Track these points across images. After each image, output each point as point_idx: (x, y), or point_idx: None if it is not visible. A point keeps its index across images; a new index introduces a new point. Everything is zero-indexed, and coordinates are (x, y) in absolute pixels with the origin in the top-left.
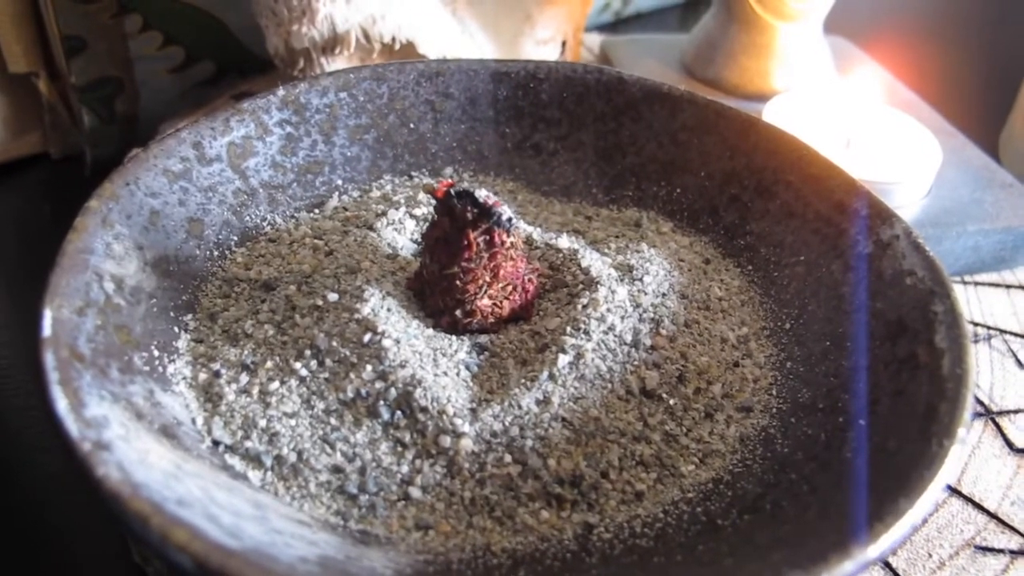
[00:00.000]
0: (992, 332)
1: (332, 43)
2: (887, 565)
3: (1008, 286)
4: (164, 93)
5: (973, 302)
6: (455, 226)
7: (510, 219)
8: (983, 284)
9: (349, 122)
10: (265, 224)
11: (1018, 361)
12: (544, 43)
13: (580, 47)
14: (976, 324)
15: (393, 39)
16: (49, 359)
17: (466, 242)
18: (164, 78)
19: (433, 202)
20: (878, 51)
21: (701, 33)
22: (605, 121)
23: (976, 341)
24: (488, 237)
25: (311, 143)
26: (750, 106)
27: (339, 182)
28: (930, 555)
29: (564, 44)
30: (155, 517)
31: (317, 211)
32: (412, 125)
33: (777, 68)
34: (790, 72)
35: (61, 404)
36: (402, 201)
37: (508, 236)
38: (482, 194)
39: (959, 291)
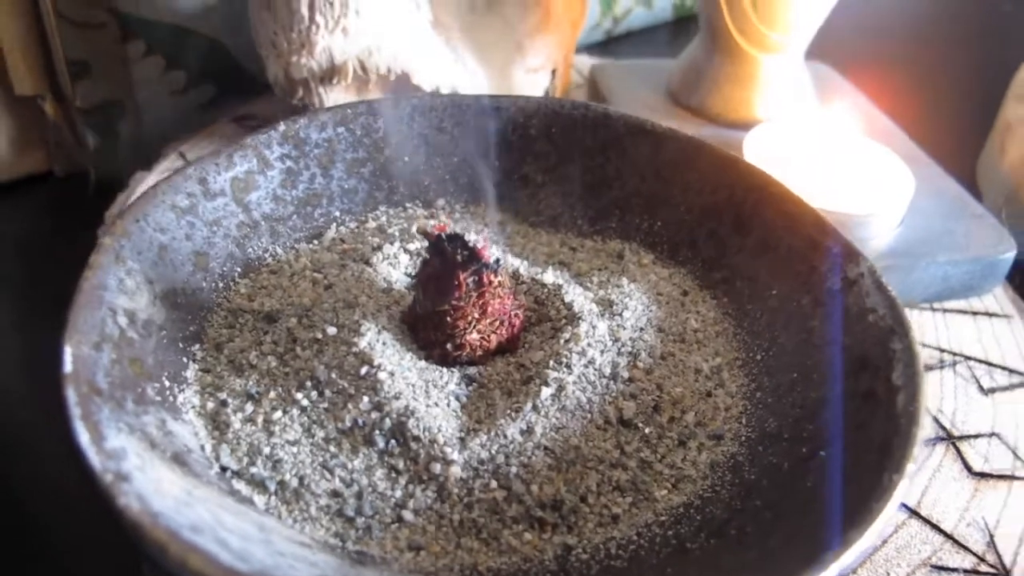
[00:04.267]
0: (957, 358)
1: (330, 74)
2: None
3: (975, 313)
4: (166, 115)
5: (941, 328)
6: (446, 267)
7: (497, 260)
8: (952, 311)
9: (347, 156)
10: (267, 255)
11: (980, 387)
12: (535, 71)
13: (570, 72)
14: (943, 351)
15: (388, 70)
16: (71, 395)
17: (456, 282)
18: (166, 101)
19: (425, 233)
20: (858, 77)
21: (686, 61)
22: (591, 155)
23: (942, 367)
24: (477, 277)
25: (310, 176)
26: (733, 134)
27: (337, 213)
28: (888, 574)
29: (554, 72)
30: (172, 545)
31: (316, 242)
32: (407, 158)
33: (759, 97)
34: (772, 101)
35: (83, 438)
36: (396, 234)
37: (496, 276)
38: (472, 238)
39: (928, 318)
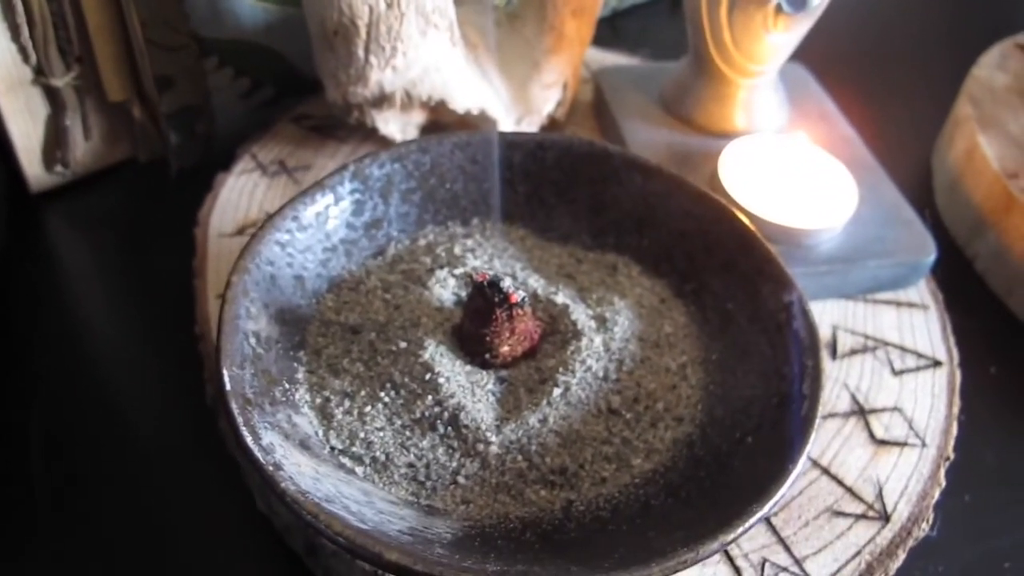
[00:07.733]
0: (877, 344)
1: (380, 101)
2: (768, 522)
3: (899, 304)
4: (235, 114)
5: (869, 317)
6: (487, 304)
7: (524, 298)
8: (880, 302)
9: (401, 186)
10: (344, 272)
11: (892, 369)
12: (549, 87)
13: (579, 85)
14: (867, 337)
15: (429, 98)
16: (234, 406)
17: (494, 316)
18: (235, 103)
19: (471, 279)
20: (831, 66)
21: (677, 78)
22: (594, 183)
23: (864, 351)
24: (509, 312)
25: (373, 205)
26: (715, 143)
27: (395, 233)
28: (799, 516)
29: (565, 85)
30: (320, 514)
31: (380, 258)
32: (448, 185)
33: (738, 113)
34: (749, 116)
35: (249, 439)
36: (444, 256)
37: (522, 310)
38: (507, 284)
39: (860, 308)
